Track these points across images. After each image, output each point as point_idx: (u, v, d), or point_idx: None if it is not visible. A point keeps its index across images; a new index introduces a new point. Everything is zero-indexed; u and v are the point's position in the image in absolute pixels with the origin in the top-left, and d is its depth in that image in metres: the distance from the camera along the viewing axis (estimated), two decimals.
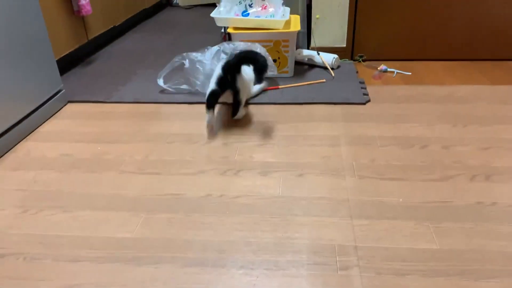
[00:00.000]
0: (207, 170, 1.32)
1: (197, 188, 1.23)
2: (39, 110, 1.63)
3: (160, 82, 1.87)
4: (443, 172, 1.26)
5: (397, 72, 2.04)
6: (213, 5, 2.11)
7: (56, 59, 1.82)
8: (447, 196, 1.16)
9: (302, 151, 1.40)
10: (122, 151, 1.44)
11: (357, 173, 1.27)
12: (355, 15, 2.13)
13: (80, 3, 2.04)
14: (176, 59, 1.83)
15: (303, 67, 2.12)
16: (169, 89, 1.87)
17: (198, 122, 1.62)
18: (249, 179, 1.26)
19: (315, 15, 2.14)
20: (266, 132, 1.53)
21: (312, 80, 1.96)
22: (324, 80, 1.95)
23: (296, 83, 1.93)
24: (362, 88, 1.87)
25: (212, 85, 1.53)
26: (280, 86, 1.93)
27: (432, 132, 1.48)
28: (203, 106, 1.73)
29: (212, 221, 1.10)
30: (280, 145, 1.45)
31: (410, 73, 2.03)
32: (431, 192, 1.17)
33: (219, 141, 1.48)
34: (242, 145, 1.45)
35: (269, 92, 1.85)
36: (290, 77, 2.02)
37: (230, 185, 1.24)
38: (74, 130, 1.61)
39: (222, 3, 2.02)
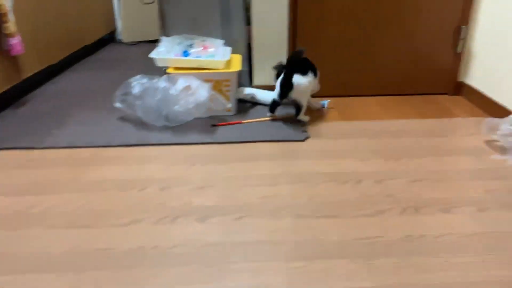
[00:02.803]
0: (142, 219, 1.28)
1: (129, 241, 1.18)
2: None
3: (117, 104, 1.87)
4: (376, 207, 1.30)
5: (333, 108, 2.12)
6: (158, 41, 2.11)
7: None
8: (379, 231, 1.19)
9: (242, 192, 1.40)
10: (52, 203, 1.37)
11: (295, 213, 1.29)
12: None
13: (10, 42, 1.97)
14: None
15: (246, 105, 2.16)
16: (126, 110, 1.86)
17: (136, 166, 1.58)
18: (186, 227, 1.24)
19: (257, 55, 2.20)
20: (206, 174, 1.52)
21: (258, 117, 2.00)
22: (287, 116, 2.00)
23: (240, 120, 1.95)
24: (302, 125, 1.92)
25: (274, 96, 1.90)
26: (243, 121, 1.95)
27: (366, 167, 1.54)
28: (142, 148, 1.70)
29: (144, 276, 1.05)
30: (220, 187, 1.44)
31: (345, 109, 2.12)
32: (364, 228, 1.21)
33: (156, 186, 1.45)
34: (180, 189, 1.43)
35: (210, 131, 1.85)
36: (233, 114, 2.04)
37: (166, 234, 1.21)
38: (0, 181, 1.51)
39: (162, 43, 2.03)
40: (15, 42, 1.98)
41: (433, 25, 2.14)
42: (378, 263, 1.08)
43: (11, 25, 1.94)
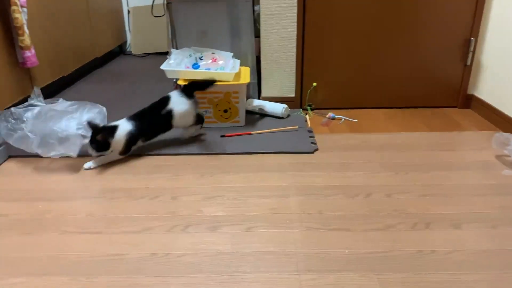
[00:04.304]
0: (153, 227, 1.28)
1: (141, 247, 1.19)
2: None
3: None
4: (386, 221, 1.30)
5: (344, 119, 2.13)
6: (167, 53, 2.14)
7: None
8: (390, 245, 1.19)
9: (252, 203, 1.41)
10: (64, 209, 1.38)
11: (305, 225, 1.29)
12: (302, 67, 2.23)
13: (25, 55, 2.00)
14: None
15: (255, 116, 2.17)
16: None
17: (146, 176, 1.60)
18: (196, 235, 1.24)
19: (265, 68, 2.23)
20: (216, 184, 1.53)
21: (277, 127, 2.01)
22: (297, 127, 2.00)
23: (249, 131, 1.97)
24: (310, 137, 1.93)
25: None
26: (252, 132, 1.95)
27: (375, 181, 1.54)
28: (152, 158, 1.72)
29: (155, 283, 1.06)
30: (229, 197, 1.45)
31: (356, 120, 2.13)
32: (375, 242, 1.20)
33: (167, 195, 1.46)
34: (190, 199, 1.43)
35: (219, 142, 1.87)
36: (241, 126, 2.05)
37: (177, 242, 1.21)
38: (13, 187, 1.53)
39: (172, 56, 2.06)
40: (30, 54, 2.02)
41: (442, 37, 2.15)
42: (389, 278, 1.07)
43: (26, 38, 1.98)
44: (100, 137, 1.60)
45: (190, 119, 1.83)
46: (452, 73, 2.22)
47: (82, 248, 1.20)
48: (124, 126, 1.67)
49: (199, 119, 1.88)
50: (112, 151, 1.67)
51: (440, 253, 1.16)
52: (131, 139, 1.68)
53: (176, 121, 1.78)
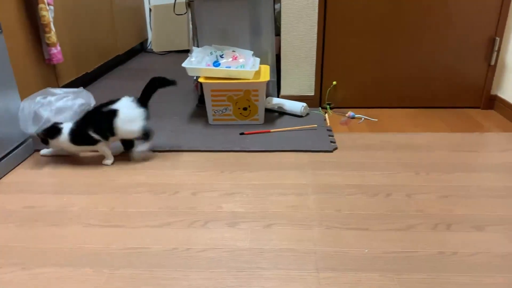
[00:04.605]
0: (174, 222, 1.31)
1: (162, 241, 1.21)
2: (4, 160, 1.60)
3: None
4: (406, 221, 1.29)
5: (364, 118, 2.12)
6: (188, 51, 2.16)
7: None
8: (410, 246, 1.18)
9: (271, 201, 1.42)
10: (88, 203, 1.42)
11: (324, 223, 1.29)
12: (322, 65, 2.22)
13: (51, 51, 2.06)
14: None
15: (273, 115, 2.18)
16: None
17: (166, 171, 1.62)
18: (216, 231, 1.26)
19: (285, 66, 2.23)
20: (235, 181, 1.54)
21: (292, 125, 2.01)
22: (316, 126, 2.01)
23: (268, 129, 1.97)
24: (329, 135, 1.92)
25: None
26: (271, 130, 1.97)
27: (395, 180, 1.53)
28: (172, 154, 1.74)
29: (176, 277, 1.08)
30: (248, 194, 1.46)
31: (376, 120, 2.12)
32: (394, 242, 1.20)
33: (187, 191, 1.48)
34: (210, 195, 1.45)
35: (239, 139, 1.88)
36: (261, 124, 2.06)
37: (197, 237, 1.23)
38: (40, 180, 1.58)
39: (193, 54, 2.08)
40: (56, 51, 2.07)
41: (465, 36, 2.12)
42: (409, 279, 1.06)
43: (52, 35, 2.04)
44: (41, 134, 1.63)
45: (135, 129, 1.65)
46: (475, 73, 2.18)
47: (105, 240, 1.23)
48: (67, 126, 1.65)
49: (146, 134, 1.68)
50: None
51: (461, 255, 1.14)
52: (75, 133, 1.63)
53: (118, 125, 1.63)
